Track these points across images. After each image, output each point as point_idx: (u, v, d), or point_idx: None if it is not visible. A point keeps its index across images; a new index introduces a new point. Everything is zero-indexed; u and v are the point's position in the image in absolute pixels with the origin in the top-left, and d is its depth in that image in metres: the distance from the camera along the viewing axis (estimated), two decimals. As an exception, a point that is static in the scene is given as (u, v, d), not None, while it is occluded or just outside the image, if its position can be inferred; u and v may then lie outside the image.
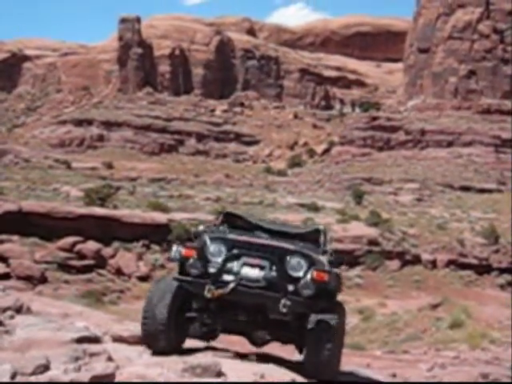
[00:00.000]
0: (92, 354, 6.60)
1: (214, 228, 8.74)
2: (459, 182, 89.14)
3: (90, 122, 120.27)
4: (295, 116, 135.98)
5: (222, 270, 7.31)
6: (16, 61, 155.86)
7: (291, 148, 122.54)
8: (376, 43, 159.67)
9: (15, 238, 33.19)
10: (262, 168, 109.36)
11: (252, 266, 7.33)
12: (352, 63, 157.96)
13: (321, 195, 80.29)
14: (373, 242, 46.74)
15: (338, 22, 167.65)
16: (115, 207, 43.12)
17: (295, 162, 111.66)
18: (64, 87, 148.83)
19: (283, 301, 7.01)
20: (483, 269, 46.75)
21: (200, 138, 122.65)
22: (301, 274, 7.29)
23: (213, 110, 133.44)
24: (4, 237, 32.63)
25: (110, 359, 6.36)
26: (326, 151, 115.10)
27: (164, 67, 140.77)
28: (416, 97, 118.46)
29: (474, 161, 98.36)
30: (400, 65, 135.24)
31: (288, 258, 7.37)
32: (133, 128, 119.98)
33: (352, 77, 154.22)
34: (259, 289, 7.16)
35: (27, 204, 37.02)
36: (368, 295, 38.86)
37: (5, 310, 8.06)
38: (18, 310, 8.31)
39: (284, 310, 7.01)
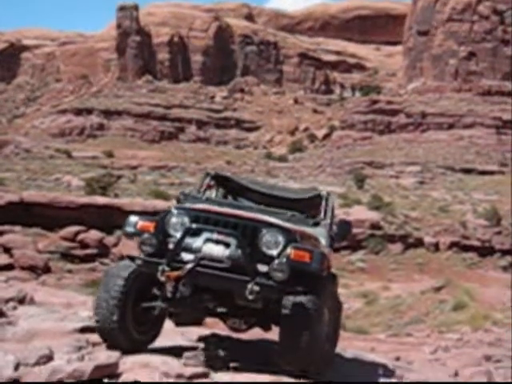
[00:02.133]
0: (95, 344, 6.63)
1: (195, 193, 7.84)
2: (461, 165, 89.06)
3: (89, 111, 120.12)
4: (295, 101, 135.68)
5: (180, 247, 6.17)
6: (14, 51, 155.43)
7: (292, 133, 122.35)
8: (375, 26, 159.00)
9: (17, 228, 33.21)
10: (263, 154, 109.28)
11: (216, 242, 6.16)
12: (352, 47, 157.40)
13: (322, 180, 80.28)
14: (375, 226, 46.77)
15: (337, 6, 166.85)
16: (116, 196, 43.14)
17: (296, 148, 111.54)
18: (63, 77, 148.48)
19: (250, 286, 5.85)
20: (486, 251, 46.78)
21: (200, 125, 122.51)
22: (276, 251, 6.14)
23: (212, 97, 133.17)
24: (6, 227, 32.65)
25: (113, 348, 6.37)
26: (327, 136, 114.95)
27: (163, 55, 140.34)
28: (416, 80, 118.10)
29: (476, 143, 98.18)
30: (400, 48, 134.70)
31: (262, 232, 6.20)
32: (133, 116, 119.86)
33: (352, 61, 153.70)
34: (222, 270, 6.01)
35: (29, 194, 37.00)
36: (371, 279, 38.90)
37: (8, 300, 8.10)
38: (21, 300, 8.35)
39: (251, 297, 5.87)
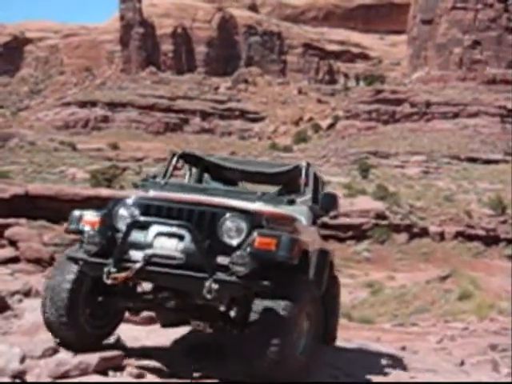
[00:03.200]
0: (101, 336, 6.64)
1: (159, 178, 6.99)
2: (465, 154, 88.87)
3: (93, 104, 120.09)
4: (299, 91, 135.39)
5: (126, 243, 5.35)
6: (18, 44, 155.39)
7: (296, 124, 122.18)
8: (379, 15, 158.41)
9: (23, 221, 33.24)
10: (267, 144, 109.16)
11: (169, 235, 5.34)
12: (355, 36, 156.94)
13: (327, 170, 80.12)
14: (380, 216, 46.81)
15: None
16: (122, 188, 43.19)
17: (301, 138, 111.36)
18: (67, 69, 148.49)
19: (207, 284, 5.05)
20: (491, 240, 46.81)
21: (205, 116, 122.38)
22: (239, 240, 5.32)
23: (217, 88, 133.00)
24: (11, 220, 32.70)
25: (117, 340, 6.40)
26: (332, 126, 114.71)
27: (166, 46, 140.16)
28: (420, 69, 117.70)
29: (480, 132, 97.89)
30: (404, 37, 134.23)
31: (222, 218, 5.35)
32: (137, 108, 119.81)
33: (356, 50, 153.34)
34: (177, 267, 5.20)
35: (34, 187, 37.06)
36: (376, 269, 38.95)
37: (13, 293, 8.13)
38: (27, 293, 8.37)
39: (209, 297, 5.07)
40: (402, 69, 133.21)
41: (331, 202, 6.77)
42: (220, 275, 5.13)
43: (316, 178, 7.24)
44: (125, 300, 5.77)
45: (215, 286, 5.05)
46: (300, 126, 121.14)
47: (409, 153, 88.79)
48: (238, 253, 5.15)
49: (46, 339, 5.87)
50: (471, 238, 46.46)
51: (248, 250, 5.20)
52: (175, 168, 7.34)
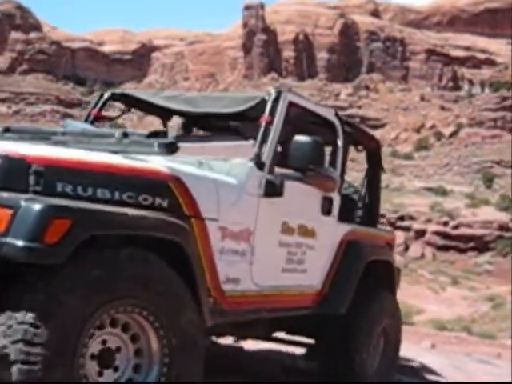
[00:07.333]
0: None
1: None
2: None
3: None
4: (422, 98, 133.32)
5: None
6: (146, 51, 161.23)
7: (418, 131, 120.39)
8: (507, 20, 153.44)
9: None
10: (388, 151, 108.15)
11: None
12: (481, 42, 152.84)
13: (449, 179, 78.64)
14: (504, 227, 45.58)
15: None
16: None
17: (422, 145, 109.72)
18: (191, 75, 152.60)
19: None
20: None
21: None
22: None
23: (338, 94, 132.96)
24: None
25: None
26: (454, 133, 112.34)
27: (288, 52, 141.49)
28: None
29: None
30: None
31: None
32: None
33: (481, 56, 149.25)
34: None
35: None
36: (498, 282, 37.93)
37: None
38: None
39: None
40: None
41: (304, 152, 4.22)
42: None
43: (299, 115, 4.83)
44: None
45: None
46: (421, 133, 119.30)
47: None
48: None
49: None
50: None
51: None
52: (103, 117, 5.40)
